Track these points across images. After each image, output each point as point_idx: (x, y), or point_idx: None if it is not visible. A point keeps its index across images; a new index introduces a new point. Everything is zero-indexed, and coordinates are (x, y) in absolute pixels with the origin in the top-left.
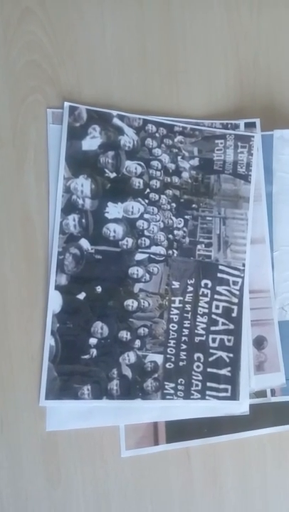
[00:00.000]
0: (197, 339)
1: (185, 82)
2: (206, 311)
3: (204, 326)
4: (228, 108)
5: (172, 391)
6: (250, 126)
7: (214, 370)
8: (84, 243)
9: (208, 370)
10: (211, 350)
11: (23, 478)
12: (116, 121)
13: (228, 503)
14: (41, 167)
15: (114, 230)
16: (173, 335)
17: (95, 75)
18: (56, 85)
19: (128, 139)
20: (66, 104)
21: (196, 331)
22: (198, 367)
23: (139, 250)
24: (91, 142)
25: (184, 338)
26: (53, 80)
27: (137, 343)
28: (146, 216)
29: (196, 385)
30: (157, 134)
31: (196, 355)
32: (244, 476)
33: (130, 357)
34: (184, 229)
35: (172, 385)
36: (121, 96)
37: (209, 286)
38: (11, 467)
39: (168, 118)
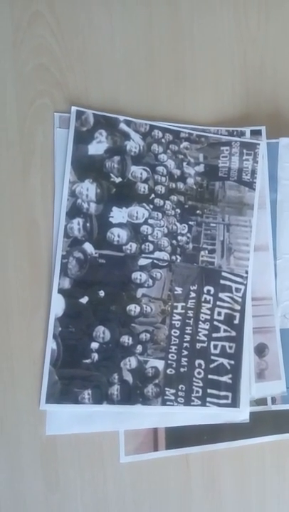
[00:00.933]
0: (198, 345)
1: (192, 89)
2: (208, 317)
3: (206, 332)
4: (234, 115)
5: (173, 397)
6: (255, 133)
7: (215, 377)
8: (88, 247)
9: (209, 376)
10: (213, 357)
11: (22, 481)
12: (122, 126)
13: (226, 509)
14: (47, 170)
15: (119, 235)
16: (174, 341)
17: (103, 79)
18: (64, 89)
19: (134, 144)
20: (73, 108)
21: (197, 338)
22: (199, 373)
23: (143, 255)
24: (97, 147)
25: (185, 344)
26: (61, 84)
27: (139, 348)
28: (150, 221)
29: (197, 392)
30: (163, 140)
31: (197, 362)
32: (242, 483)
33: (131, 362)
34: (188, 235)
35: (173, 391)
36: (128, 101)
37: (212, 292)
38: (10, 470)
39: (174, 124)
